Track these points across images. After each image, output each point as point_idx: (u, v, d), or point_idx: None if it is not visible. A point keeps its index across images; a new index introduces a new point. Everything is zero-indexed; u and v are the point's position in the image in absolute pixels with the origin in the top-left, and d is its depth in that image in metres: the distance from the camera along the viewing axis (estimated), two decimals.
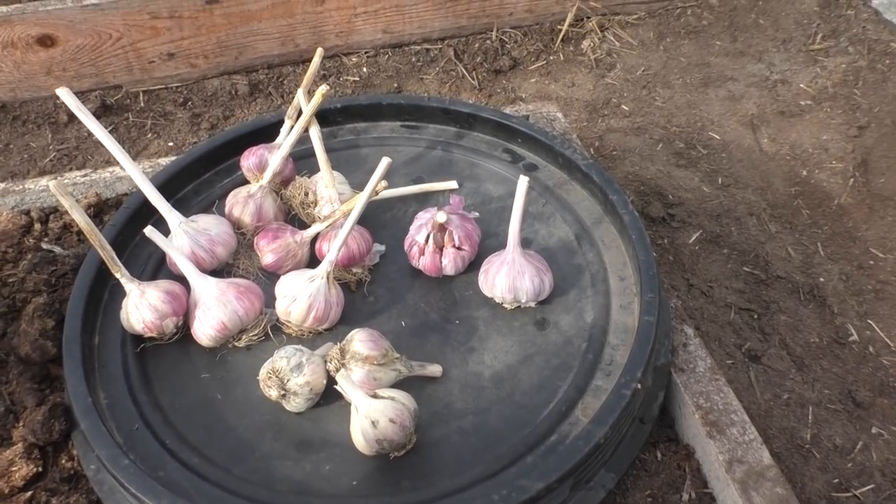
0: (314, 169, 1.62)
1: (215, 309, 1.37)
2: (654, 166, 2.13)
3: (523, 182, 1.41)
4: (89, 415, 1.26)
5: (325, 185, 1.56)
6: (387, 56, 2.56)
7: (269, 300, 1.45)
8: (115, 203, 1.83)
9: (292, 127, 1.64)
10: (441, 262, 1.50)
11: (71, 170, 2.10)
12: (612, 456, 1.29)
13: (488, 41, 2.59)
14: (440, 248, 1.50)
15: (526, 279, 1.42)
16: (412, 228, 1.54)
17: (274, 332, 1.43)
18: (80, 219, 1.35)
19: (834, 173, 2.11)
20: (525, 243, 1.55)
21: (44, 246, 1.71)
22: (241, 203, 1.57)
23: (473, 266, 1.53)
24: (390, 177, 1.64)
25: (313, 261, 1.52)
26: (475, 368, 1.39)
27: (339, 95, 2.43)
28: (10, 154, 2.23)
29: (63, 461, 1.37)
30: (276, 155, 1.61)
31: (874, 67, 2.41)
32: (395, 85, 2.48)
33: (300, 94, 1.67)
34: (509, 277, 1.42)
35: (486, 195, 1.70)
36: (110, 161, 2.15)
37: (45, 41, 2.23)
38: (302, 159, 1.72)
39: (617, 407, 1.23)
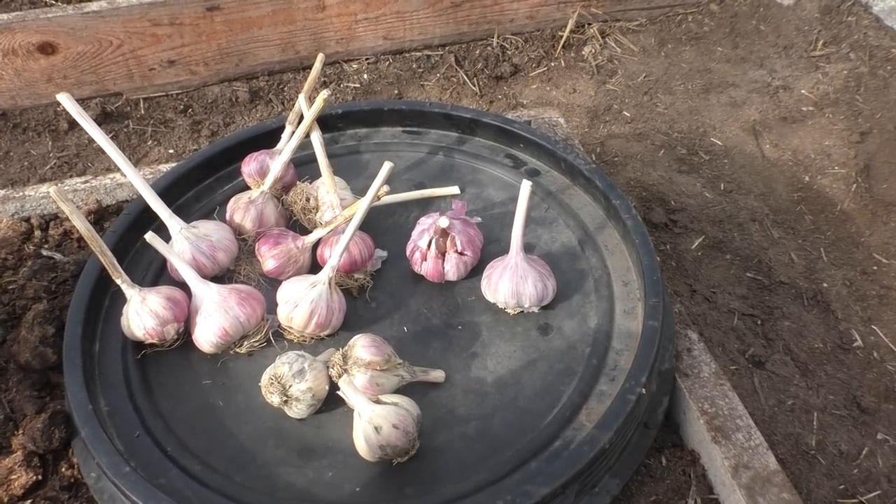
0: (315, 174, 1.61)
1: (217, 315, 1.36)
2: (656, 172, 2.12)
3: (526, 187, 1.41)
4: (90, 422, 1.25)
5: (327, 191, 1.56)
6: (388, 62, 2.56)
7: (271, 306, 1.44)
8: (116, 210, 1.83)
9: (293, 132, 1.64)
10: (443, 268, 1.49)
11: (71, 177, 2.10)
12: (617, 461, 1.29)
13: (489, 48, 2.59)
14: (442, 253, 1.49)
15: (529, 284, 1.42)
16: (414, 234, 1.53)
17: (275, 339, 1.42)
18: (81, 225, 1.35)
19: (836, 179, 2.10)
20: (528, 248, 1.55)
21: (44, 253, 1.70)
22: (242, 209, 1.56)
23: (476, 271, 1.52)
24: (392, 182, 1.63)
25: (315, 266, 1.51)
26: (478, 374, 1.38)
27: (341, 101, 2.43)
28: (10, 161, 2.23)
29: (63, 469, 1.36)
30: (277, 160, 1.60)
31: (876, 73, 2.41)
32: (396, 91, 2.48)
33: (301, 100, 1.66)
34: (512, 282, 1.42)
35: (488, 200, 1.69)
36: (110, 168, 2.15)
37: (46, 49, 2.23)
38: (303, 165, 1.71)
39: (622, 412, 1.22)
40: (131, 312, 1.37)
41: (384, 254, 1.58)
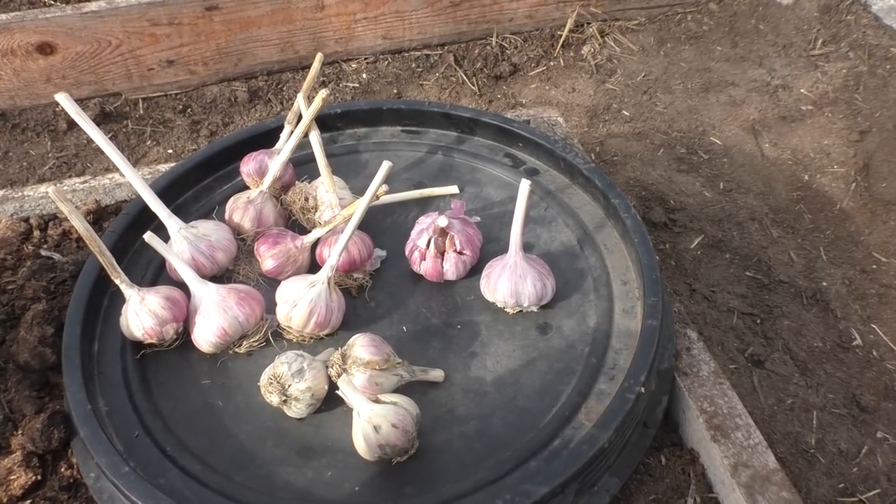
0: (314, 174, 1.61)
1: (216, 315, 1.36)
2: (655, 171, 2.12)
3: (525, 186, 1.41)
4: (89, 422, 1.25)
5: (326, 190, 1.56)
6: (386, 62, 2.56)
7: (270, 306, 1.44)
8: (115, 210, 1.83)
9: (292, 132, 1.64)
10: (442, 267, 1.49)
11: (70, 177, 2.09)
12: (617, 460, 1.28)
13: (488, 47, 2.59)
14: (441, 252, 1.49)
15: (528, 283, 1.41)
16: (413, 233, 1.53)
17: (275, 338, 1.42)
18: (80, 225, 1.34)
19: (836, 178, 2.10)
20: (527, 248, 1.55)
21: (43, 253, 1.70)
22: (241, 208, 1.56)
23: (475, 271, 1.52)
24: (391, 182, 1.63)
25: (314, 266, 1.51)
26: (477, 373, 1.38)
27: (339, 101, 2.43)
28: (9, 161, 2.23)
29: (62, 469, 1.36)
30: (276, 160, 1.60)
31: (875, 72, 2.41)
32: (395, 91, 2.48)
33: (300, 99, 1.66)
34: (511, 282, 1.42)
35: (487, 200, 1.69)
36: (109, 168, 2.15)
37: (45, 49, 2.23)
38: (302, 164, 1.71)
39: (621, 411, 1.22)
40: (130, 312, 1.37)
41: (383, 253, 1.58)
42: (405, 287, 1.53)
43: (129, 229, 1.56)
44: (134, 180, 1.49)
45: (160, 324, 1.36)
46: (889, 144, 2.16)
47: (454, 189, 1.70)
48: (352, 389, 1.23)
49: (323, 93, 1.58)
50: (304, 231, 1.56)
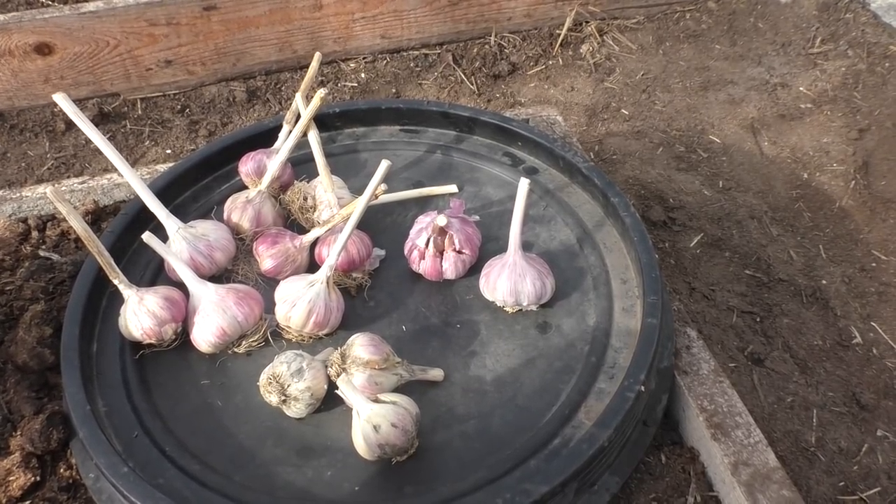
0: (313, 174, 1.61)
1: (214, 315, 1.35)
2: (654, 170, 2.12)
3: (524, 185, 1.40)
4: (88, 423, 1.25)
5: (325, 190, 1.55)
6: (385, 61, 2.56)
7: (269, 306, 1.43)
8: (113, 210, 1.82)
9: (291, 132, 1.63)
10: (441, 266, 1.49)
11: (68, 177, 2.09)
12: (617, 459, 1.28)
13: (487, 46, 2.58)
14: (441, 251, 1.49)
15: (527, 282, 1.41)
16: (412, 232, 1.53)
17: (274, 338, 1.42)
18: (78, 225, 1.34)
19: (835, 176, 2.10)
20: (526, 246, 1.55)
21: (41, 253, 1.70)
22: (239, 208, 1.56)
23: (474, 270, 1.52)
24: (390, 181, 1.63)
25: (313, 266, 1.51)
26: (477, 372, 1.38)
27: (338, 100, 2.43)
28: (7, 162, 2.22)
29: (61, 470, 1.36)
30: (274, 160, 1.60)
31: (874, 70, 2.41)
32: (394, 90, 2.48)
33: (298, 99, 1.66)
34: (511, 281, 1.41)
35: (486, 199, 1.69)
36: (108, 168, 2.15)
37: (43, 49, 2.23)
38: (301, 164, 1.71)
39: (620, 410, 1.22)
40: (129, 313, 1.37)
41: (382, 253, 1.57)
42: (404, 286, 1.53)
43: (127, 229, 1.56)
44: (132, 180, 1.49)
45: (159, 324, 1.36)
46: (888, 142, 2.16)
47: (453, 188, 1.69)
48: (351, 389, 1.23)
49: (321, 92, 1.57)
50: (302, 231, 1.55)
